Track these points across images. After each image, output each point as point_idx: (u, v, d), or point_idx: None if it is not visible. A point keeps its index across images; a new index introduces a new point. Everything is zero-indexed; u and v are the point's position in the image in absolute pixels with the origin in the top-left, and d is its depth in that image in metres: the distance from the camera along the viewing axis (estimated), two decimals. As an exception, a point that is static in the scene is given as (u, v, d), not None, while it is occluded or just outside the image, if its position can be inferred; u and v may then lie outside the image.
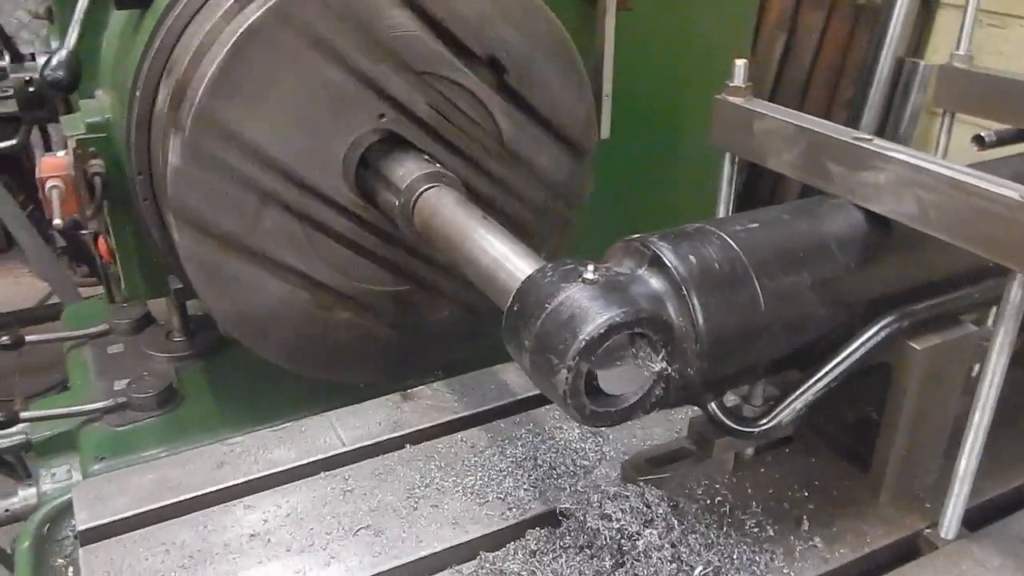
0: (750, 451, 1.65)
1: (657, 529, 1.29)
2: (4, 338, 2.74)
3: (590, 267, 1.24)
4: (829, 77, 3.96)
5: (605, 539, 1.28)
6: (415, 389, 1.80)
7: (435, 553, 1.39)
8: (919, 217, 1.36)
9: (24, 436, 2.28)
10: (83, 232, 2.23)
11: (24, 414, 2.27)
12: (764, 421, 1.38)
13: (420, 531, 1.43)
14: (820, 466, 1.61)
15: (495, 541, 1.42)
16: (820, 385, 1.39)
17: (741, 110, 1.66)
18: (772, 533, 1.44)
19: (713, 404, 1.38)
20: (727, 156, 1.74)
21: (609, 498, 1.33)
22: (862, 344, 1.40)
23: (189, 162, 1.65)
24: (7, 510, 2.21)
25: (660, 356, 1.23)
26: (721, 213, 1.78)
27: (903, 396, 1.46)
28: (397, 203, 1.72)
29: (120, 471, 1.63)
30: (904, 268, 1.45)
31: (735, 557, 1.35)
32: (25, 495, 2.17)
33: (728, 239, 1.34)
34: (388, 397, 1.78)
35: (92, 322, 2.66)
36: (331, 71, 1.69)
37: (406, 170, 1.75)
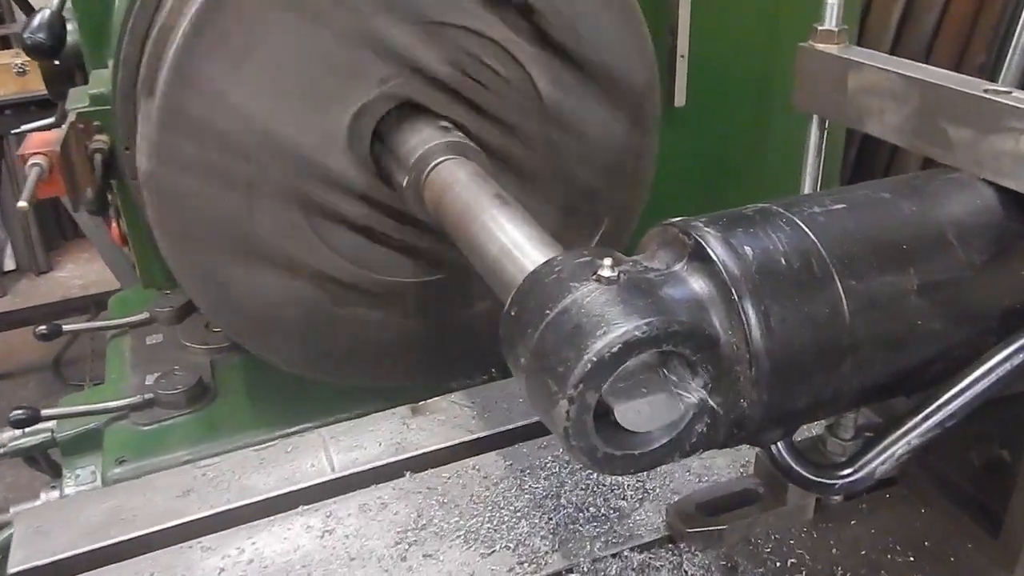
0: (839, 495, 1.29)
1: (696, 614, 0.97)
2: (41, 328, 2.64)
3: (607, 261, 0.92)
4: (957, 40, 3.44)
5: (624, 625, 0.96)
6: (429, 401, 1.52)
7: (418, 621, 1.11)
8: (1078, 196, 0.98)
9: (49, 434, 2.15)
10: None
11: (46, 411, 2.14)
12: (849, 471, 1.03)
13: (404, 589, 1.15)
14: (932, 521, 1.26)
15: (496, 607, 1.13)
16: (931, 423, 1.03)
17: (833, 60, 1.31)
18: (862, 612, 1.10)
19: (780, 444, 1.04)
20: (815, 120, 1.38)
21: (633, 569, 1.00)
22: (993, 368, 1.03)
23: (165, 131, 1.40)
24: (29, 512, 2.08)
25: (701, 383, 0.91)
26: (807, 192, 1.41)
27: (1049, 439, 1.08)
28: (405, 179, 1.43)
29: (77, 496, 1.43)
30: (1055, 266, 1.07)
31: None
32: (48, 499, 2.02)
33: (802, 225, 1.00)
34: (396, 410, 1.51)
35: (136, 310, 2.52)
36: (317, 29, 1.42)
37: (419, 140, 1.47)
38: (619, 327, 0.87)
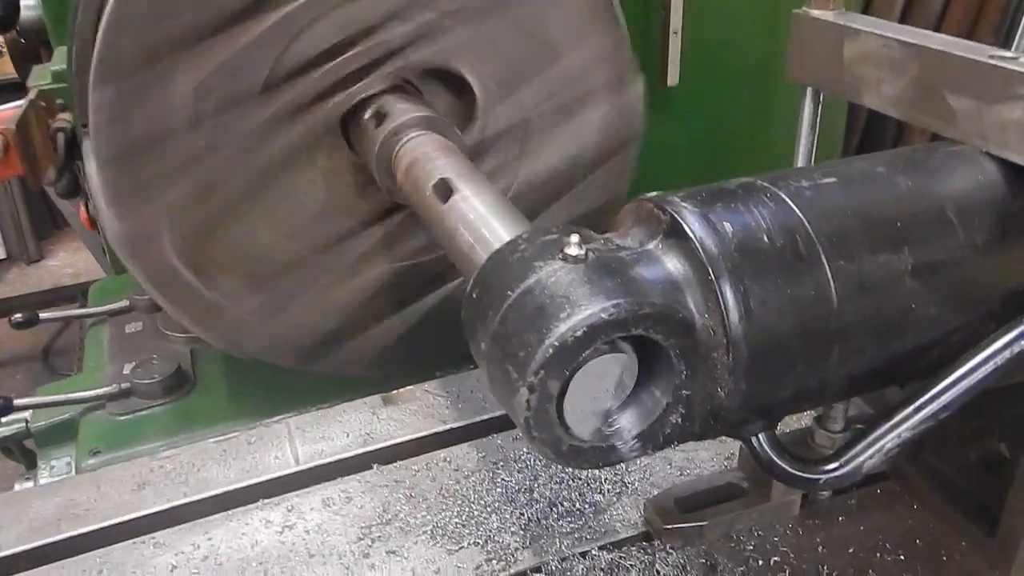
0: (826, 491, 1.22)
1: (669, 619, 0.90)
2: (17, 316, 2.58)
3: (575, 238, 0.85)
4: (964, 23, 3.35)
5: (591, 631, 0.90)
6: (401, 390, 1.45)
7: (376, 623, 1.05)
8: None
9: (23, 424, 2.09)
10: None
11: (18, 401, 2.08)
12: (834, 466, 0.95)
13: (364, 588, 1.08)
14: (925, 519, 1.19)
15: (459, 608, 1.06)
16: (924, 415, 0.96)
17: (827, 27, 1.23)
18: (850, 615, 1.03)
19: (761, 436, 0.97)
20: (808, 93, 1.30)
21: (601, 568, 0.93)
22: (991, 356, 0.95)
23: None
24: (3, 506, 2.02)
25: (675, 371, 0.84)
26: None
27: (1052, 432, 1.01)
28: (375, 155, 1.36)
29: (28, 490, 1.37)
30: (1061, 246, 0.99)
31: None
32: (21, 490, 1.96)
33: (788, 200, 0.92)
34: (366, 400, 1.44)
35: (116, 298, 2.46)
36: None
37: (393, 113, 1.39)
38: (584, 309, 0.80)
